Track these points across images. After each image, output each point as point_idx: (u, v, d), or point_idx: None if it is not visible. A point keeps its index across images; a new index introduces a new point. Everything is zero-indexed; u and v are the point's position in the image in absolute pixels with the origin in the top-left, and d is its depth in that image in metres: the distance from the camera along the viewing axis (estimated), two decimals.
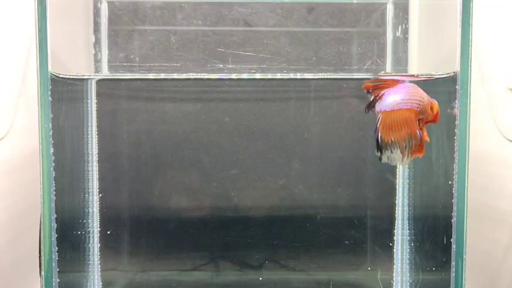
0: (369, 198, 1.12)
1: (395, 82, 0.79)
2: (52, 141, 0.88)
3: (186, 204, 1.13)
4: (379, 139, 0.77)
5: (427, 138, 0.78)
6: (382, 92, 0.78)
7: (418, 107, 0.77)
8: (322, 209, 1.12)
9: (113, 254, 1.11)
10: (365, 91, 0.80)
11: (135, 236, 1.12)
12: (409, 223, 1.09)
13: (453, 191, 0.89)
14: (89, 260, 1.08)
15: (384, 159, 0.79)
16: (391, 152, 0.78)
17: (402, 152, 0.77)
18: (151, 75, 1.12)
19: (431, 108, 0.79)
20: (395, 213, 1.11)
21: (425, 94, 0.80)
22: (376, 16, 1.12)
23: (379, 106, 0.78)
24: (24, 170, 1.09)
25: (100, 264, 1.10)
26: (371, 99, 0.79)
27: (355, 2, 1.12)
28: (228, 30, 1.11)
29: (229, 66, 1.10)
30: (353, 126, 1.11)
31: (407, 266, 1.09)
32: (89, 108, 1.07)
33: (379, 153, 0.78)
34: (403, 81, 0.79)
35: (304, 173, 1.12)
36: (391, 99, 0.77)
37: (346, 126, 1.12)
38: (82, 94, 1.06)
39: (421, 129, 0.78)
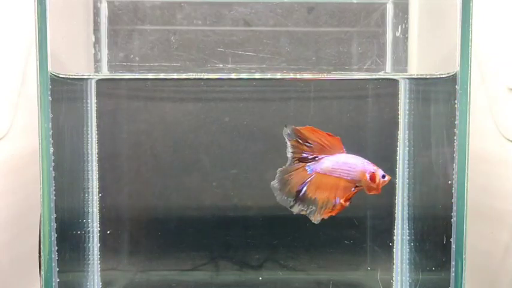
0: (369, 198, 1.12)
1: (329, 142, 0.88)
2: (52, 141, 0.88)
3: (186, 204, 1.13)
4: (303, 192, 0.88)
5: (343, 204, 0.88)
6: (321, 156, 0.88)
7: (347, 176, 0.87)
8: None
9: (113, 254, 1.11)
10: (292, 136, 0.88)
11: (135, 236, 1.12)
12: (409, 223, 1.09)
13: (453, 191, 0.89)
14: (88, 260, 1.08)
15: (295, 209, 0.89)
16: (308, 206, 0.88)
17: (318, 210, 0.88)
18: (151, 75, 1.12)
19: (372, 178, 0.87)
20: (395, 213, 1.11)
21: (361, 165, 0.88)
22: (376, 16, 1.12)
23: (314, 165, 0.88)
24: (24, 170, 1.09)
25: (100, 264, 1.10)
26: (309, 157, 0.88)
27: (355, 2, 1.12)
28: (228, 30, 1.11)
29: (229, 66, 1.10)
30: (353, 126, 1.11)
31: (407, 266, 1.09)
32: (89, 108, 1.07)
33: (293, 202, 0.88)
34: (343, 151, 0.88)
35: None
36: (326, 164, 0.87)
37: (346, 126, 1.12)
38: (82, 94, 1.06)
39: (349, 195, 0.87)
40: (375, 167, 0.87)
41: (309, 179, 0.88)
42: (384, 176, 0.87)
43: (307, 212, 0.88)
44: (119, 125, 1.11)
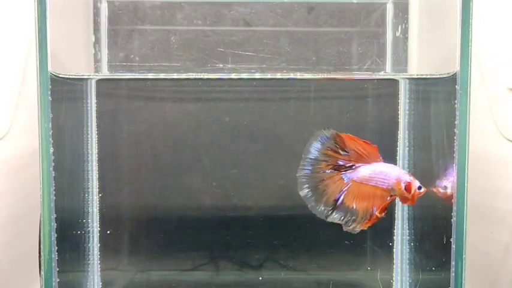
0: None
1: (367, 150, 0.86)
2: (52, 141, 0.88)
3: (186, 204, 1.13)
4: (340, 201, 0.86)
5: (378, 215, 0.86)
6: (358, 164, 0.86)
7: (382, 185, 0.86)
8: None
9: (113, 254, 1.11)
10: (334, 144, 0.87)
11: (135, 236, 1.12)
12: (409, 223, 1.09)
13: (453, 191, 0.89)
14: (88, 260, 1.08)
15: (332, 219, 0.86)
16: (345, 215, 0.86)
17: (358, 221, 0.86)
18: (151, 75, 1.12)
19: (407, 188, 0.85)
20: (395, 213, 1.11)
21: (397, 175, 0.86)
22: (376, 16, 1.12)
23: (351, 174, 0.86)
24: (24, 170, 1.09)
25: (100, 264, 1.10)
26: (346, 165, 0.87)
27: (355, 2, 1.12)
28: (228, 30, 1.11)
29: (229, 66, 1.10)
30: (353, 126, 1.11)
31: (407, 266, 1.09)
32: (89, 108, 1.07)
33: (330, 211, 0.86)
34: (379, 159, 0.87)
35: None
36: (363, 173, 0.86)
37: (346, 126, 1.12)
38: (82, 94, 1.06)
39: (384, 205, 0.86)
40: (411, 177, 0.85)
41: (345, 188, 0.86)
42: (419, 188, 0.85)
43: (344, 221, 0.86)
44: (119, 125, 1.11)
